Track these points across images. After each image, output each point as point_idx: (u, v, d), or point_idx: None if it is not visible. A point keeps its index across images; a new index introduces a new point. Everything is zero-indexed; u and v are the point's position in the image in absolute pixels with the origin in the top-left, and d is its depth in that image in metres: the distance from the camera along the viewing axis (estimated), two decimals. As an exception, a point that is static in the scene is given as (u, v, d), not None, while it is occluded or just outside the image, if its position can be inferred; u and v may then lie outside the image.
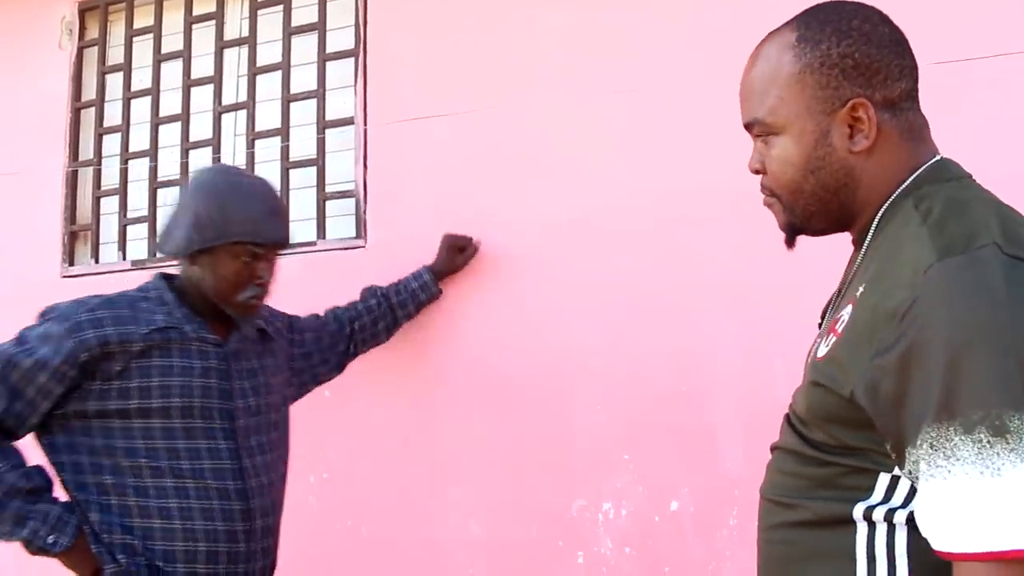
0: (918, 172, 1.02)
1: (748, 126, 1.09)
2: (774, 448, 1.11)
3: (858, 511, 0.95)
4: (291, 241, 1.88)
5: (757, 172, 1.10)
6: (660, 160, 2.13)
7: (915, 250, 0.91)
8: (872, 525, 0.94)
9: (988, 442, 0.81)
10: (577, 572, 2.11)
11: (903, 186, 1.01)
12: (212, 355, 1.77)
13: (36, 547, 1.63)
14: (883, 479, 0.94)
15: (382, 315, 2.20)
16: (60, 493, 1.72)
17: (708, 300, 2.06)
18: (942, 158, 1.04)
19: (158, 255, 2.67)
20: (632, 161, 2.16)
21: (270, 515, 1.80)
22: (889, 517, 0.93)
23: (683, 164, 2.11)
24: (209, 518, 1.70)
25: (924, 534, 0.87)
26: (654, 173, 2.14)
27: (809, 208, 1.06)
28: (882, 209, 1.02)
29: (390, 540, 2.29)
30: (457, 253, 2.25)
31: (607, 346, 2.14)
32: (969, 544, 0.82)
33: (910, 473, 0.89)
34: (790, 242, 1.11)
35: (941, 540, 0.85)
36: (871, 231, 1.03)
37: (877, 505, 0.94)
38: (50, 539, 1.63)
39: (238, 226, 1.73)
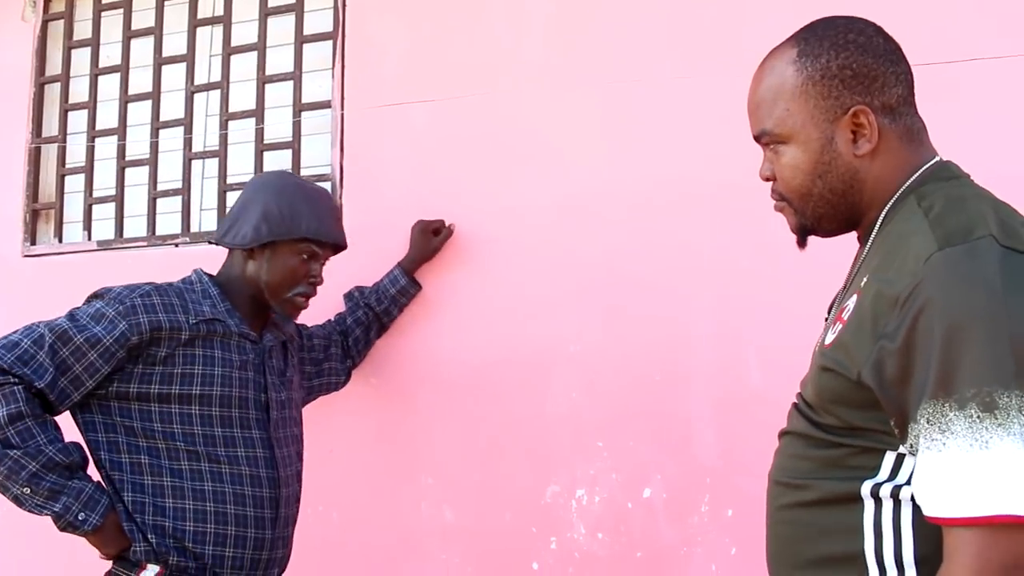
0: (920, 172, 1.11)
1: (757, 137, 1.18)
2: (782, 434, 1.19)
3: (865, 489, 1.02)
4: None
5: (768, 180, 1.19)
6: (638, 150, 2.19)
7: (917, 242, 0.99)
8: (879, 502, 1.02)
9: (979, 417, 0.90)
10: (550, 557, 2.17)
11: (906, 185, 1.10)
12: (249, 350, 1.86)
13: (66, 523, 1.67)
14: (889, 457, 1.02)
15: (370, 325, 2.29)
16: (92, 471, 1.76)
17: (683, 290, 2.12)
18: (942, 159, 1.13)
19: (125, 236, 2.67)
20: (610, 150, 2.21)
21: (292, 505, 1.90)
22: (895, 494, 1.01)
23: (660, 154, 2.17)
24: (240, 503, 1.77)
25: (919, 502, 0.96)
26: (632, 163, 2.19)
27: (818, 210, 1.15)
28: (886, 207, 1.11)
29: (362, 526, 2.32)
30: (431, 237, 2.29)
31: (582, 334, 2.19)
32: (957, 510, 0.91)
33: (911, 447, 0.97)
34: (801, 243, 1.21)
35: (933, 507, 0.94)
36: (876, 228, 1.12)
37: (884, 482, 1.02)
38: (80, 516, 1.67)
39: (306, 223, 1.86)
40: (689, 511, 2.08)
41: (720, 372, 2.08)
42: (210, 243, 1.97)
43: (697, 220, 2.13)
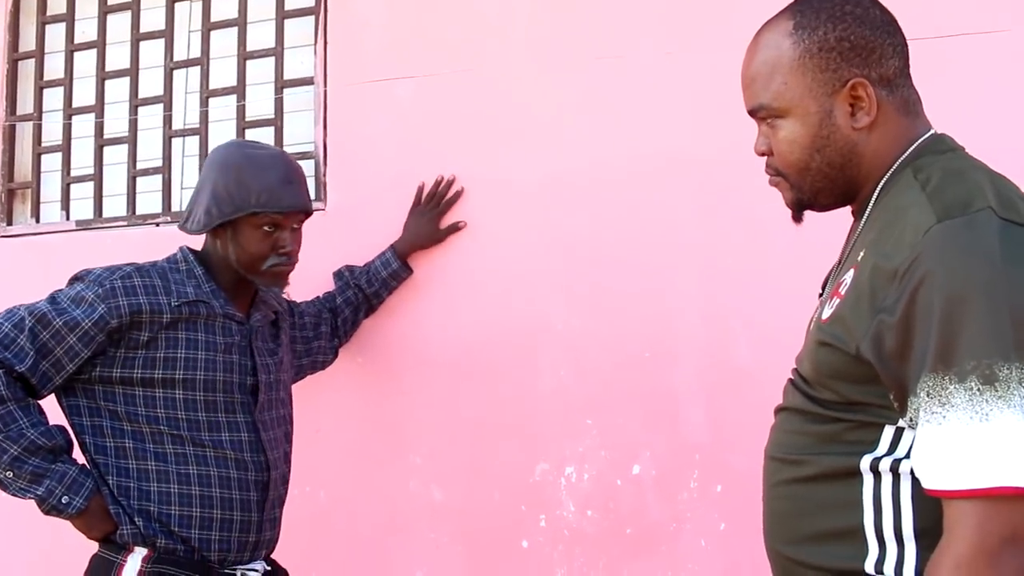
0: (915, 145, 1.11)
1: (753, 112, 1.17)
2: (778, 410, 1.20)
3: (864, 463, 1.04)
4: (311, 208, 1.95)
5: (763, 155, 1.18)
6: (624, 126, 2.20)
7: (915, 214, 1.01)
8: (878, 476, 1.04)
9: (979, 390, 0.92)
10: (539, 535, 2.20)
11: (902, 158, 1.11)
12: (235, 331, 1.86)
13: (49, 506, 1.68)
14: (887, 432, 1.03)
15: (359, 305, 2.28)
16: (77, 455, 1.77)
17: (671, 267, 2.15)
18: (937, 132, 1.14)
19: (104, 216, 2.65)
20: (596, 127, 2.22)
21: (280, 487, 1.90)
22: (895, 468, 1.03)
23: (647, 131, 2.18)
24: (226, 487, 1.78)
25: (918, 476, 0.98)
26: (618, 139, 2.20)
27: (816, 184, 1.15)
28: (882, 181, 1.12)
29: (350, 506, 2.34)
30: (430, 224, 2.26)
31: (570, 312, 2.21)
32: (957, 482, 0.93)
33: (911, 421, 0.98)
34: (797, 218, 1.21)
35: (933, 480, 0.96)
36: (871, 201, 1.13)
37: (883, 456, 1.03)
38: (64, 499, 1.67)
39: (255, 196, 1.81)
40: (678, 488, 2.11)
41: (708, 349, 2.11)
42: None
43: (684, 197, 2.14)
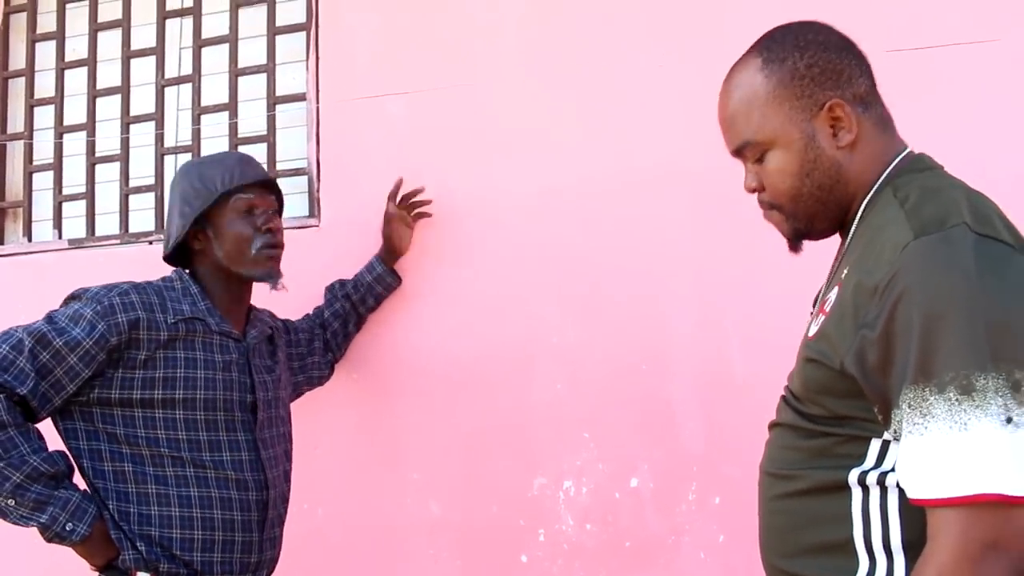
0: (894, 163, 1.16)
1: (738, 151, 1.22)
2: (772, 426, 1.24)
3: (853, 477, 1.08)
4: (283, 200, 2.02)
5: (754, 191, 1.23)
6: (616, 139, 2.23)
7: (894, 232, 1.05)
8: (866, 489, 1.07)
9: (957, 399, 0.95)
10: (538, 549, 2.21)
11: (883, 177, 1.15)
12: (233, 349, 1.87)
13: (53, 534, 1.67)
14: (874, 445, 1.07)
15: (348, 316, 2.30)
16: (77, 479, 1.76)
17: (665, 278, 2.17)
18: (915, 151, 1.19)
19: (97, 234, 2.66)
20: (588, 140, 2.25)
21: (280, 506, 1.91)
22: (881, 480, 1.06)
23: (639, 143, 2.21)
24: (227, 508, 1.79)
25: (903, 486, 1.01)
26: (610, 152, 2.23)
27: (810, 210, 1.19)
28: (865, 199, 1.16)
29: (348, 522, 2.35)
30: (398, 229, 2.28)
31: (566, 324, 2.23)
32: (939, 491, 0.96)
33: (895, 433, 1.02)
34: (795, 247, 1.25)
35: (915, 489, 0.99)
36: (856, 220, 1.17)
37: (870, 470, 1.07)
38: (68, 527, 1.66)
39: (219, 182, 1.86)
40: (676, 500, 2.12)
41: (704, 360, 2.13)
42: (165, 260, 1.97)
43: (678, 208, 2.17)
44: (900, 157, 1.17)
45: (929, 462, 0.96)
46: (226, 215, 1.87)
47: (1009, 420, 0.93)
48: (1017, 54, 1.99)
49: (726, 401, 2.10)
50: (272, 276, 1.92)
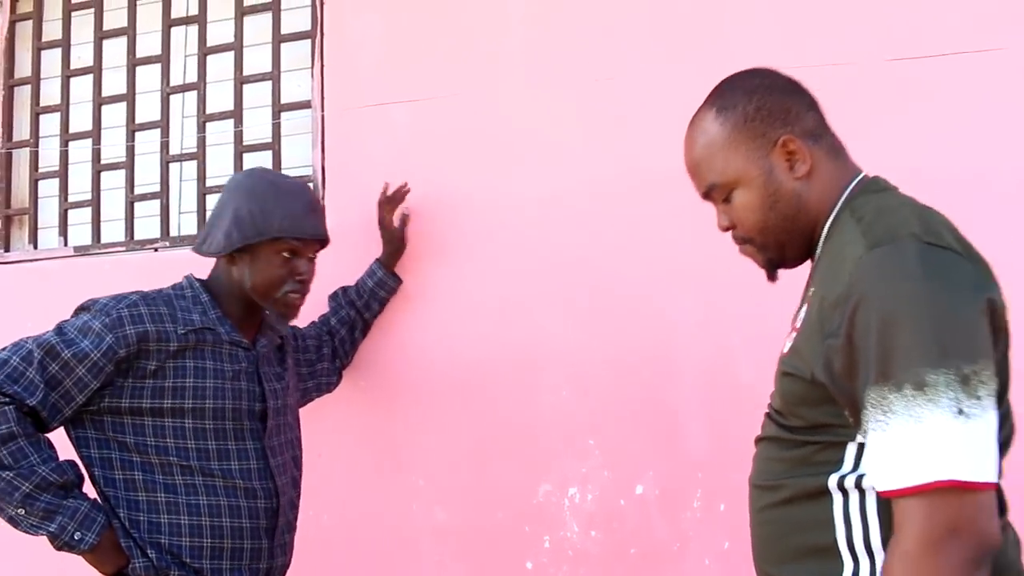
0: (851, 187, 1.26)
1: (706, 194, 1.33)
2: (758, 440, 1.32)
3: (832, 482, 1.15)
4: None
5: (727, 229, 1.33)
6: (619, 145, 2.24)
7: (851, 248, 1.13)
8: (845, 493, 1.14)
9: (912, 395, 1.03)
10: (544, 556, 2.22)
11: (841, 201, 1.24)
12: (242, 358, 1.88)
13: (62, 543, 1.69)
14: (851, 449, 1.14)
15: (354, 323, 2.32)
16: (87, 488, 1.78)
17: (670, 285, 2.18)
18: (868, 175, 1.28)
19: (102, 241, 2.68)
20: (591, 146, 2.26)
21: (289, 513, 1.92)
22: (859, 483, 1.13)
23: (642, 150, 2.22)
24: (236, 516, 1.80)
25: (872, 482, 1.09)
26: (613, 158, 2.24)
27: (779, 239, 1.28)
28: (828, 223, 1.25)
29: (353, 529, 2.37)
30: (391, 229, 2.31)
31: (571, 332, 2.24)
32: (901, 481, 1.03)
33: (864, 433, 1.09)
34: (772, 277, 1.35)
35: (881, 481, 1.07)
36: (820, 243, 1.26)
37: (848, 474, 1.14)
38: (77, 535, 1.68)
39: (278, 222, 1.84)
40: (682, 507, 2.13)
41: (709, 367, 2.14)
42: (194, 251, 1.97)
43: (682, 213, 2.17)
44: (856, 181, 1.25)
45: (891, 455, 1.04)
46: (267, 253, 1.86)
47: (960, 412, 1.01)
48: (1021, 63, 2.00)
49: (731, 408, 2.10)
50: (284, 323, 1.96)
